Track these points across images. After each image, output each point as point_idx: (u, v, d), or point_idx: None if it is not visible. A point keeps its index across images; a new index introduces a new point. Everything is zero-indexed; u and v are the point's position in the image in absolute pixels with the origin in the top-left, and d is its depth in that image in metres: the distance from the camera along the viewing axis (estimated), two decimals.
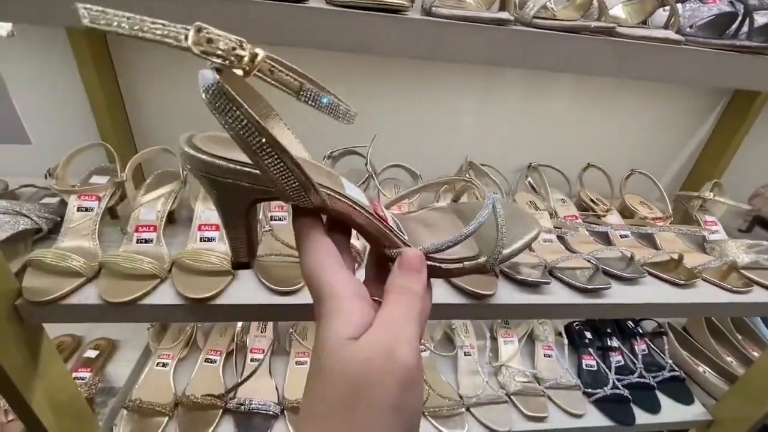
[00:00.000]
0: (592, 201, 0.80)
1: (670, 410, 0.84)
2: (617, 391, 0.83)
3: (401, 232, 0.30)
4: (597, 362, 0.89)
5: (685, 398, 0.86)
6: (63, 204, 0.60)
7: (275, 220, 0.62)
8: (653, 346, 0.95)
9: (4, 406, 0.67)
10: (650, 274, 0.65)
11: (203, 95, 0.20)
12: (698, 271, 0.66)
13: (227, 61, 0.19)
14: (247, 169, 0.24)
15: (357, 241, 0.57)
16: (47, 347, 0.55)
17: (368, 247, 0.31)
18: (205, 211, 0.60)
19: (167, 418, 0.70)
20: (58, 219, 0.58)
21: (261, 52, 0.19)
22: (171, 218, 0.62)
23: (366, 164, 0.68)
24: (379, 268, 0.30)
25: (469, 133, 0.83)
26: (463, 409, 0.77)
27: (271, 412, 0.72)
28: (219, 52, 0.19)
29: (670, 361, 0.90)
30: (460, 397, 0.79)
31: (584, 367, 0.89)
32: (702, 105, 0.87)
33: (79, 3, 0.18)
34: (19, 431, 0.66)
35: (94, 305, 0.48)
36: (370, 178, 0.67)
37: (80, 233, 0.55)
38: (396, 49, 0.39)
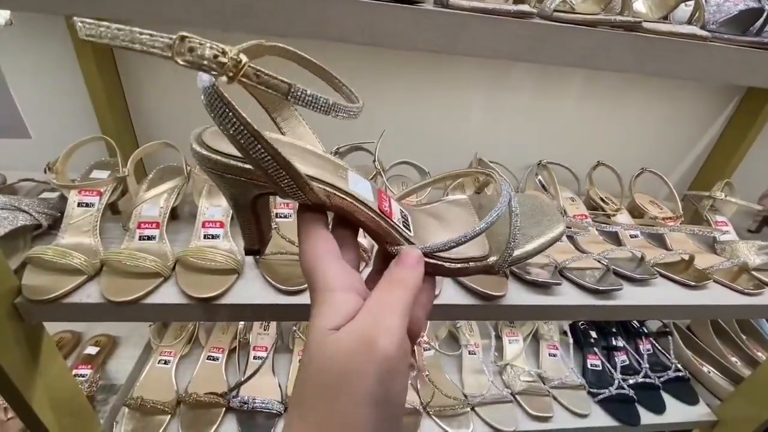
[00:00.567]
0: (601, 200, 0.78)
1: (675, 410, 0.84)
2: (622, 391, 0.82)
3: (407, 227, 0.30)
4: (602, 362, 0.89)
5: (690, 398, 0.86)
6: (63, 199, 0.58)
7: (280, 217, 0.61)
8: (658, 346, 0.94)
9: (3, 404, 0.66)
10: (661, 275, 0.64)
11: (201, 96, 0.21)
12: (710, 272, 0.65)
13: (211, 70, 0.19)
14: (248, 166, 0.25)
15: (364, 240, 0.56)
16: (47, 345, 0.53)
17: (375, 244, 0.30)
18: (210, 208, 0.59)
19: (169, 416, 0.70)
20: (58, 215, 0.56)
21: (244, 58, 0.19)
22: (174, 214, 0.61)
23: (374, 161, 0.66)
24: (385, 263, 0.29)
25: (478, 129, 0.81)
26: (468, 409, 0.77)
27: (274, 411, 0.71)
28: (203, 62, 0.19)
29: (675, 361, 0.90)
30: (465, 396, 0.79)
31: (589, 366, 0.88)
32: (713, 104, 0.86)
33: (77, 18, 0.19)
34: (18, 429, 0.65)
35: (95, 304, 0.47)
36: (378, 174, 0.66)
37: (81, 229, 0.54)
38: (411, 42, 0.37)
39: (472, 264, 0.30)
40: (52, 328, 0.54)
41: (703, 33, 0.40)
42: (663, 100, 0.84)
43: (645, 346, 0.93)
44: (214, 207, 0.59)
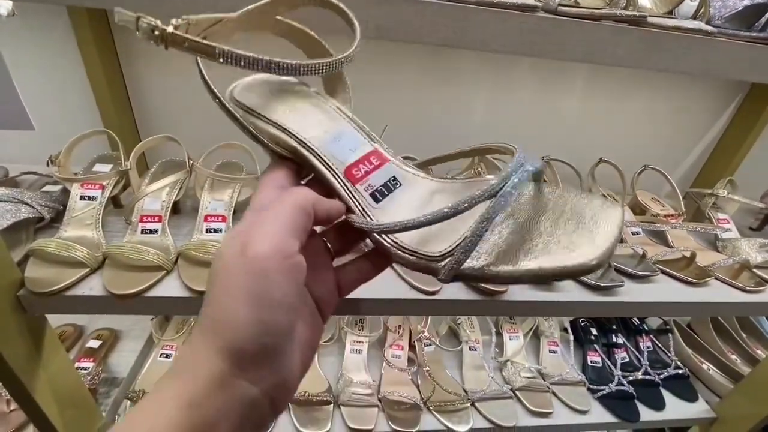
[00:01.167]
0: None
1: (674, 407, 0.84)
2: (622, 387, 0.82)
3: (377, 197, 0.28)
4: (602, 359, 0.89)
5: (689, 396, 0.86)
6: (65, 192, 0.58)
7: None
8: (658, 344, 0.95)
9: (6, 396, 0.66)
10: (662, 272, 0.64)
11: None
12: (711, 269, 0.65)
13: (151, 39, 0.22)
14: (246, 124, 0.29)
15: None
16: (50, 338, 0.54)
17: None
18: (212, 202, 0.59)
19: None
20: (61, 208, 0.56)
21: (170, 29, 0.22)
22: (176, 208, 0.61)
23: None
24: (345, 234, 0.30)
25: (481, 125, 0.81)
26: (468, 404, 0.77)
27: None
28: (146, 34, 0.22)
29: (675, 359, 0.90)
30: (465, 391, 0.79)
31: (589, 363, 0.88)
32: (716, 101, 0.86)
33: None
34: (21, 421, 0.65)
35: (98, 297, 0.47)
36: None
37: (83, 222, 0.54)
38: (416, 35, 0.37)
39: (414, 258, 0.25)
40: (54, 321, 0.54)
41: (709, 28, 0.40)
42: (666, 97, 0.84)
43: (645, 343, 0.93)
44: (216, 201, 0.59)
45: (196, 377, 0.20)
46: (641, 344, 0.93)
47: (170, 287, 0.49)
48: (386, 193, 0.29)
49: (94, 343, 0.79)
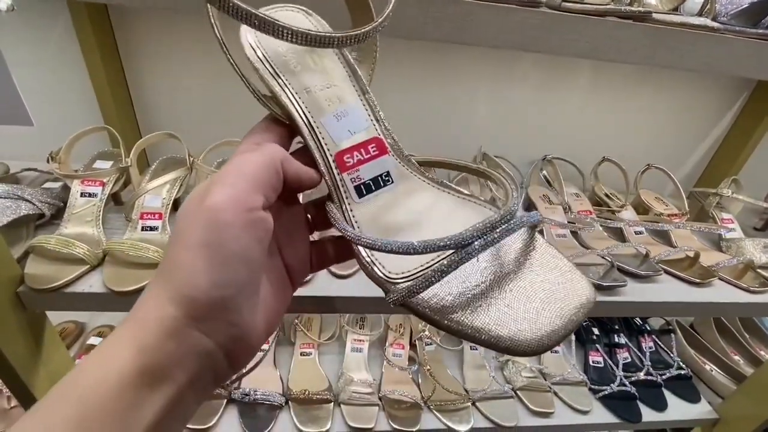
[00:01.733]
0: (606, 196, 0.78)
1: (677, 408, 0.84)
2: (624, 388, 0.82)
3: (362, 192, 0.27)
4: (604, 359, 0.88)
5: (692, 396, 0.86)
6: (65, 189, 0.58)
7: None
8: (660, 344, 0.94)
9: (6, 393, 0.66)
10: (665, 272, 0.64)
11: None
12: (715, 270, 0.64)
13: None
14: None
15: None
16: (50, 334, 0.54)
17: None
18: None
19: None
20: (61, 204, 0.56)
21: None
22: (176, 205, 0.60)
23: None
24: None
25: (483, 123, 0.80)
26: (469, 404, 0.77)
27: (275, 403, 0.71)
28: None
29: (677, 359, 0.89)
30: (466, 391, 0.78)
31: (591, 363, 0.88)
32: (721, 100, 0.85)
33: None
34: None
35: (98, 294, 0.47)
36: None
37: (84, 219, 0.54)
38: (417, 31, 0.37)
39: (370, 268, 0.25)
40: (56, 318, 0.54)
41: (715, 24, 0.39)
42: (670, 95, 0.83)
43: (647, 343, 0.92)
44: None
45: (146, 323, 0.20)
46: (643, 344, 0.92)
47: None
48: (373, 188, 0.27)
49: (95, 340, 0.79)
